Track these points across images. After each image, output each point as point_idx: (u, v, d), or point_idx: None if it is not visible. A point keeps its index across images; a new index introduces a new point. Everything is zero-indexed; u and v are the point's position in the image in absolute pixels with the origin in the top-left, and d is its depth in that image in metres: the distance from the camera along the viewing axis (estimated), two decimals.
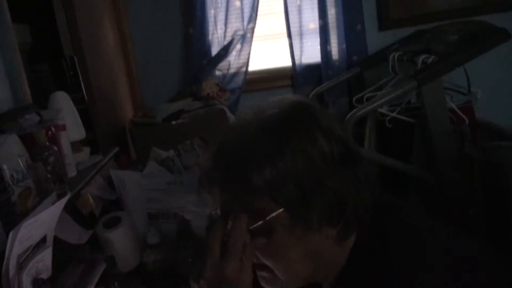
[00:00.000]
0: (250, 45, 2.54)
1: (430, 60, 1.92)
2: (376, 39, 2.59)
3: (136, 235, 1.24)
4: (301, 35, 2.57)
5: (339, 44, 2.55)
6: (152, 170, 1.30)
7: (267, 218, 0.66)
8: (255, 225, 0.67)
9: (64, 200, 0.91)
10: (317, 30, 2.53)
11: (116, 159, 1.42)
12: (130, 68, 2.57)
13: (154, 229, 1.24)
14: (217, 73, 2.59)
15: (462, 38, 1.92)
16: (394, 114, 2.02)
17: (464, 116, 1.96)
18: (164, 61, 2.63)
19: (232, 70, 2.57)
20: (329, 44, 2.55)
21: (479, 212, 1.79)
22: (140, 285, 1.23)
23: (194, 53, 2.55)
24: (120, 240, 1.19)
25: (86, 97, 1.43)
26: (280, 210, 0.66)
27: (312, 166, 0.66)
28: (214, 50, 2.57)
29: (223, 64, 2.57)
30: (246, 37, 2.53)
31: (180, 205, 1.25)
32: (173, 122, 2.13)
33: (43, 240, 0.85)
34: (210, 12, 2.52)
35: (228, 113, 2.16)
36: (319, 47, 2.56)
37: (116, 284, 1.15)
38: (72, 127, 1.24)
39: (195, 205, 1.25)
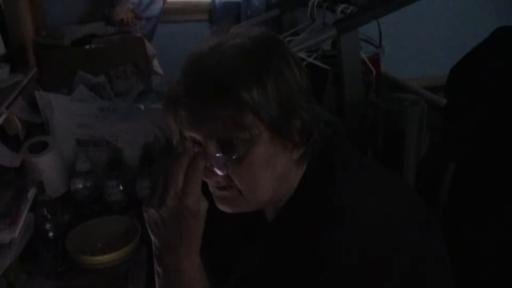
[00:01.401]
0: None
1: (349, 10, 2.02)
2: None
3: (63, 161, 1.19)
4: None
5: None
6: (82, 94, 1.23)
7: (252, 134, 0.68)
8: (239, 138, 0.69)
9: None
10: None
11: (40, 79, 1.31)
12: None
13: (84, 156, 1.20)
14: None
15: None
16: (311, 60, 2.11)
17: (372, 67, 2.12)
18: None
19: None
20: None
21: (376, 154, 2.00)
22: (68, 212, 1.20)
23: None
24: (48, 166, 1.14)
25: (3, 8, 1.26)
26: (263, 127, 0.69)
27: (290, 89, 0.70)
28: None
29: None
30: None
31: (112, 133, 1.22)
32: (87, 47, 1.99)
33: None
34: None
35: (147, 42, 2.07)
36: None
37: (45, 210, 1.11)
38: None
39: (129, 134, 1.22)
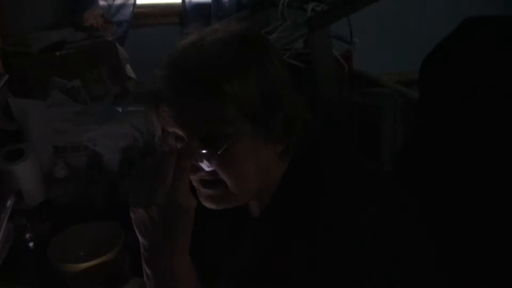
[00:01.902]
0: None
1: (319, 8, 2.05)
2: None
3: (41, 169, 1.17)
4: None
5: None
6: (57, 100, 1.21)
7: (235, 128, 0.69)
8: (222, 132, 0.69)
9: None
10: None
11: (9, 87, 1.28)
12: None
13: (62, 161, 1.18)
14: (102, 2, 2.40)
15: None
16: (285, 58, 2.13)
17: (345, 63, 2.16)
18: None
19: (118, 1, 2.41)
20: None
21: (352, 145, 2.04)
22: (48, 220, 1.17)
23: None
24: (25, 173, 1.11)
25: None
26: (246, 120, 0.69)
27: (272, 82, 0.71)
28: None
29: None
30: None
31: (90, 138, 1.20)
32: (57, 53, 1.95)
33: None
34: None
35: (119, 47, 2.05)
36: None
37: (24, 219, 1.08)
38: None
39: (107, 137, 1.21)
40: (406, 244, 0.72)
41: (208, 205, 0.77)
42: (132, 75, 2.07)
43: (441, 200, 1.11)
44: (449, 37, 1.14)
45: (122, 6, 2.42)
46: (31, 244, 1.08)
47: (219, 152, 0.70)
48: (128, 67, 2.08)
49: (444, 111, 1.13)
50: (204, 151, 0.71)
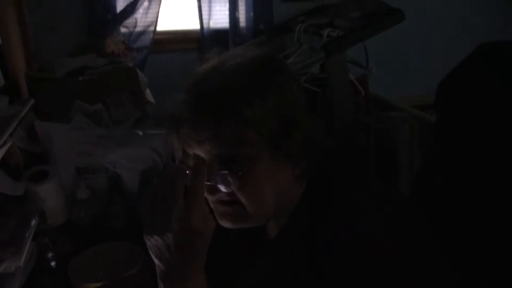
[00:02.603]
0: (159, 4, 2.47)
1: (335, 33, 2.09)
2: (281, 10, 2.70)
3: (64, 190, 1.20)
4: None
5: (247, 11, 2.61)
6: (80, 123, 1.25)
7: (255, 150, 0.70)
8: (241, 154, 0.70)
9: (3, 151, 0.85)
10: None
11: (34, 111, 1.33)
12: (22, 15, 2.33)
13: (84, 183, 1.21)
14: (123, 30, 2.48)
15: (364, 15, 2.12)
16: (302, 83, 2.16)
17: (361, 88, 2.17)
18: (63, 12, 2.43)
19: (139, 28, 2.49)
20: (237, 11, 2.60)
21: (369, 171, 2.03)
22: (69, 240, 1.19)
23: (97, 6, 2.41)
24: (49, 194, 1.14)
25: (1, 41, 1.28)
26: (264, 143, 0.71)
27: (290, 105, 0.72)
28: (120, 6, 2.45)
29: (129, 21, 2.47)
30: None
31: (111, 160, 1.23)
32: (80, 78, 2.01)
33: None
34: None
35: (139, 72, 2.11)
36: (227, 12, 2.59)
37: (47, 238, 1.10)
38: None
39: (128, 160, 1.23)
40: (420, 269, 0.72)
41: (224, 223, 0.77)
42: (151, 99, 2.12)
43: (459, 224, 1.10)
44: (465, 61, 1.15)
45: (142, 33, 2.50)
46: (52, 264, 1.09)
47: (240, 174, 0.71)
48: (147, 92, 2.13)
49: (461, 135, 1.14)
50: (223, 173, 0.72)
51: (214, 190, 0.74)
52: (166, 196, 0.67)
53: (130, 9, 2.45)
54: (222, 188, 0.73)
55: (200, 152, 0.73)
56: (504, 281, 0.94)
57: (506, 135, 1.01)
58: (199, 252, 0.70)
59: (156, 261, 0.71)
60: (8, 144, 0.84)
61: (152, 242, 0.68)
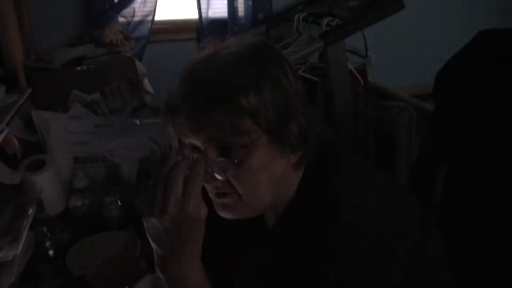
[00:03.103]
0: None
1: (334, 23, 2.08)
2: None
3: (61, 179, 1.19)
4: None
5: (246, 1, 2.58)
6: (78, 112, 1.24)
7: (250, 139, 0.70)
8: (238, 142, 0.70)
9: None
10: None
11: (32, 101, 1.32)
12: (20, 6, 2.32)
13: (82, 172, 1.21)
14: (121, 19, 2.46)
15: (362, 4, 2.10)
16: (300, 73, 2.15)
17: (360, 78, 2.17)
18: (61, 1, 2.41)
19: (137, 18, 2.47)
20: (236, 0, 2.58)
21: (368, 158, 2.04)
22: (67, 229, 1.19)
23: None
24: (46, 183, 1.14)
25: None
26: (261, 132, 0.70)
27: (286, 94, 0.72)
28: None
29: (127, 11, 2.45)
30: None
31: (109, 149, 1.23)
32: (78, 68, 2.00)
33: None
34: None
35: (137, 62, 2.09)
36: (226, 1, 2.57)
37: (44, 228, 1.11)
38: None
39: (125, 149, 1.23)
40: (420, 261, 0.73)
41: (223, 214, 0.78)
42: (150, 89, 2.11)
43: (458, 213, 1.10)
44: (464, 49, 1.14)
45: (140, 22, 2.48)
46: (50, 252, 1.10)
47: (235, 162, 0.71)
48: (145, 82, 2.12)
49: (459, 123, 1.13)
50: (219, 160, 0.72)
51: (211, 179, 0.74)
52: (166, 182, 0.68)
53: None
54: (218, 176, 0.73)
55: (195, 141, 0.73)
56: (504, 279, 0.94)
57: (504, 123, 1.01)
58: (195, 239, 0.72)
59: (154, 245, 0.72)
60: (5, 133, 0.83)
61: (150, 224, 0.70)
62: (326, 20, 2.13)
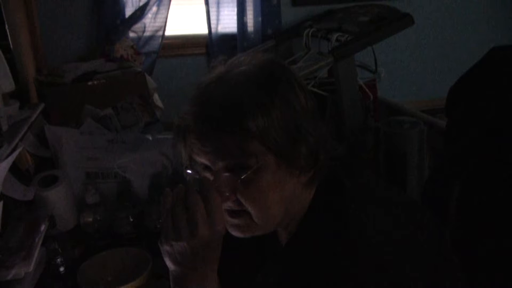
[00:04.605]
0: (168, 9, 2.48)
1: (344, 38, 2.08)
2: (289, 14, 2.69)
3: (73, 194, 1.19)
4: (218, 3, 2.58)
5: (255, 16, 2.61)
6: (90, 128, 1.25)
7: (258, 161, 0.70)
8: (246, 164, 0.70)
9: (14, 155, 0.85)
10: (234, 0, 2.57)
11: (44, 116, 1.33)
12: (32, 21, 2.35)
13: (93, 188, 1.20)
14: (132, 34, 2.49)
15: (372, 20, 2.11)
16: (310, 88, 2.15)
17: (370, 93, 2.16)
18: (72, 17, 2.45)
19: (147, 33, 2.49)
20: (245, 15, 2.60)
21: (378, 174, 2.02)
22: (78, 245, 1.19)
23: (106, 11, 2.42)
24: (58, 199, 1.14)
25: (12, 46, 1.29)
26: (269, 154, 0.70)
27: (296, 115, 0.72)
28: (129, 11, 2.47)
29: (138, 26, 2.47)
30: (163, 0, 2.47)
31: (121, 164, 1.23)
32: (89, 83, 2.02)
33: None
34: None
35: (148, 77, 2.11)
36: (235, 17, 2.59)
37: (56, 244, 1.10)
38: (1, 78, 1.13)
39: (137, 164, 1.23)
40: (433, 275, 0.72)
41: (235, 233, 0.78)
42: (160, 104, 2.12)
43: (471, 229, 1.09)
44: (477, 65, 1.14)
45: (151, 37, 2.51)
46: (61, 269, 1.09)
47: (245, 182, 0.71)
48: (155, 96, 2.14)
49: (473, 139, 1.13)
50: (229, 180, 0.72)
51: (222, 198, 0.74)
52: (190, 203, 0.70)
53: (139, 14, 2.45)
54: (229, 195, 0.73)
55: (205, 161, 0.74)
56: None
57: None
58: (218, 254, 0.73)
59: (172, 266, 0.73)
60: (19, 149, 0.84)
61: (175, 248, 0.71)
62: (335, 36, 2.14)
